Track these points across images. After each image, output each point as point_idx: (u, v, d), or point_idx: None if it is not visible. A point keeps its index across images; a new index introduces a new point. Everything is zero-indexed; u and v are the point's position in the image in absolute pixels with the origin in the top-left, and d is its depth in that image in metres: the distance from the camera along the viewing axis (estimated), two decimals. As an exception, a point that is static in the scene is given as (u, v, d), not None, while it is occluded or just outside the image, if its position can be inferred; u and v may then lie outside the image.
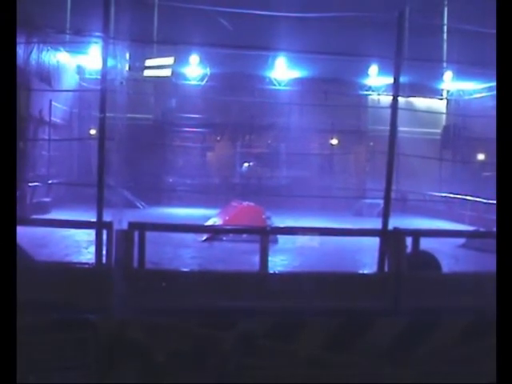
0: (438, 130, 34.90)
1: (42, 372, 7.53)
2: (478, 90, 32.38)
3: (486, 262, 9.73)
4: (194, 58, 30.24)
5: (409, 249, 10.36)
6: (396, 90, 11.15)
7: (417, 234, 10.88)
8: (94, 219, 9.69)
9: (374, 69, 31.20)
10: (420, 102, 34.03)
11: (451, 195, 29.55)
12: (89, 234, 12.74)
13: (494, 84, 25.59)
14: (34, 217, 19.88)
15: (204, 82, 32.29)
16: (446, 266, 11.48)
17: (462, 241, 17.61)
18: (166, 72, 28.95)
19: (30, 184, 23.43)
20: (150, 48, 27.10)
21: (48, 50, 26.17)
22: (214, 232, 17.50)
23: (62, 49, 27.75)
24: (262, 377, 8.19)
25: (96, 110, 10.89)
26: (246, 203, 20.78)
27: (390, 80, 22.15)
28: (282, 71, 31.74)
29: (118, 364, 7.93)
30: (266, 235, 10.21)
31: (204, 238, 17.56)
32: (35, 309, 7.61)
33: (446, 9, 28.92)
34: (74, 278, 9.01)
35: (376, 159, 31.05)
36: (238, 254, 15.06)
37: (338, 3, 22.77)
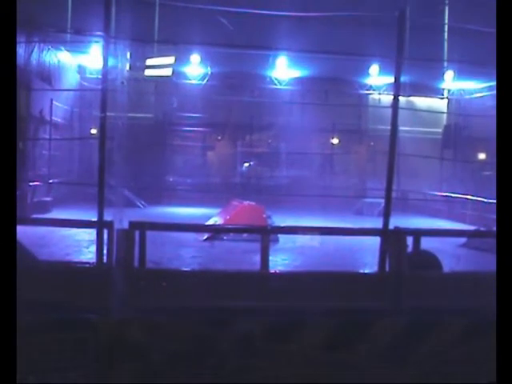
0: (439, 130, 34.88)
1: (41, 372, 7.53)
2: (479, 89, 32.36)
3: (487, 262, 9.73)
4: (195, 58, 30.25)
5: (410, 248, 10.35)
6: (397, 89, 11.14)
7: (418, 234, 10.88)
8: (94, 219, 9.69)
9: (374, 68, 31.18)
10: (421, 102, 34.07)
11: (452, 194, 29.55)
12: (89, 234, 12.74)
13: (494, 83, 25.59)
14: (35, 216, 19.88)
15: (205, 81, 32.31)
16: (447, 266, 11.47)
17: (462, 240, 17.61)
18: (167, 71, 28.93)
19: (30, 183, 23.43)
20: (151, 47, 27.09)
21: (49, 49, 26.17)
22: (215, 231, 17.51)
23: (62, 48, 27.75)
24: (261, 377, 8.18)
25: (97, 110, 10.90)
26: (246, 202, 20.77)
27: (390, 79, 22.17)
28: (283, 70, 31.74)
29: (118, 364, 7.93)
30: (266, 234, 10.20)
31: (205, 237, 17.56)
32: (35, 309, 7.61)
33: (446, 8, 28.91)
34: (75, 278, 9.01)
35: (377, 159, 31.07)
36: (238, 254, 15.05)
37: (339, 2, 22.74)
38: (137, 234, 9.43)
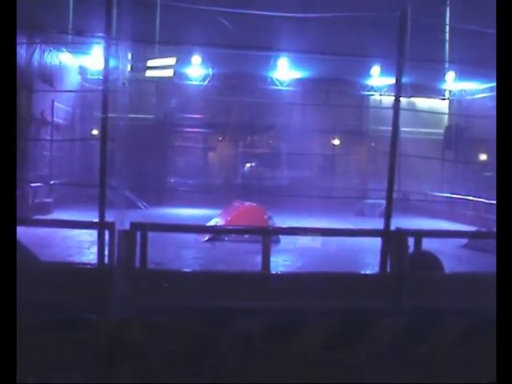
0: (441, 131, 34.88)
1: (41, 372, 7.54)
2: (481, 90, 32.34)
3: (488, 263, 9.73)
4: (196, 59, 30.24)
5: (411, 249, 10.35)
6: (398, 90, 11.13)
7: (419, 235, 10.89)
8: (96, 219, 9.69)
9: (375, 69, 31.17)
10: (422, 103, 34.07)
11: (453, 195, 29.55)
12: (91, 235, 12.74)
13: (495, 84, 25.55)
14: (36, 217, 19.89)
15: (206, 82, 32.31)
16: (448, 267, 11.47)
17: (464, 241, 17.60)
18: (168, 72, 28.94)
19: (32, 184, 23.46)
20: (152, 48, 27.10)
21: (50, 50, 26.20)
22: (216, 232, 17.50)
23: (64, 49, 27.77)
24: (262, 377, 8.19)
25: (98, 111, 10.89)
26: (247, 203, 20.77)
27: (392, 80, 22.17)
28: (284, 71, 31.73)
29: (118, 364, 7.93)
30: (267, 235, 10.19)
31: (206, 238, 17.56)
32: (35, 309, 7.62)
33: (448, 9, 28.93)
34: (76, 279, 9.00)
35: (378, 159, 31.06)
36: (239, 255, 15.05)
37: (340, 3, 22.76)
38: (138, 234, 9.43)
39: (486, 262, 9.96)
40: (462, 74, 30.46)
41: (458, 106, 35.22)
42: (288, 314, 8.72)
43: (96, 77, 28.72)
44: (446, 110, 35.39)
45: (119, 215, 9.33)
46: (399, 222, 10.38)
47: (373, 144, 34.16)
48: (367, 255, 14.81)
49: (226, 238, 17.71)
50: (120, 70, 11.99)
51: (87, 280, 8.96)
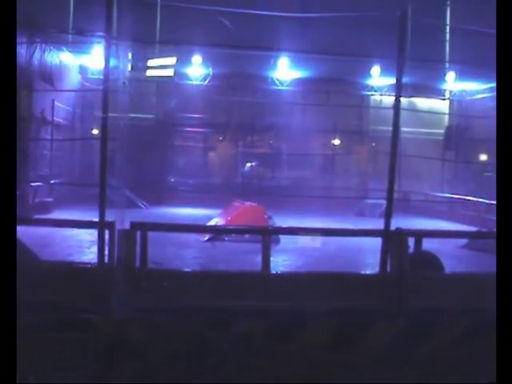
0: (441, 131, 34.90)
1: (41, 372, 7.53)
2: (481, 90, 32.34)
3: (489, 263, 9.72)
4: (197, 58, 30.26)
5: (411, 249, 10.34)
6: (398, 90, 11.11)
7: (419, 235, 10.88)
8: (96, 219, 9.68)
9: (376, 69, 31.18)
10: (422, 103, 34.07)
11: (454, 196, 29.57)
12: (91, 234, 12.74)
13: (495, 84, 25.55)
14: (37, 216, 19.89)
15: (206, 82, 32.32)
16: (449, 267, 11.47)
17: (464, 241, 17.59)
18: (169, 72, 28.95)
19: (32, 184, 23.47)
20: (153, 48, 27.12)
21: (50, 50, 26.20)
22: (216, 232, 17.50)
23: (64, 49, 27.79)
24: (262, 377, 8.19)
25: (98, 110, 10.90)
26: (248, 203, 20.77)
27: (392, 80, 22.19)
28: (285, 71, 31.74)
29: (118, 364, 7.93)
30: (267, 235, 10.18)
31: (206, 238, 17.57)
32: (35, 309, 7.61)
33: (448, 9, 28.95)
34: (76, 278, 8.99)
35: (378, 159, 31.09)
36: (240, 254, 15.05)
37: (340, 3, 22.77)
38: (138, 234, 9.43)
39: (486, 263, 9.95)
40: (463, 74, 30.47)
41: (459, 106, 35.23)
42: (288, 313, 8.72)
43: (96, 76, 28.77)
44: (447, 110, 35.42)
45: (119, 215, 9.32)
46: (399, 222, 10.38)
47: (373, 144, 34.19)
48: (367, 255, 14.82)
49: (226, 238, 17.72)
50: (120, 69, 11.97)
51: (87, 280, 8.95)
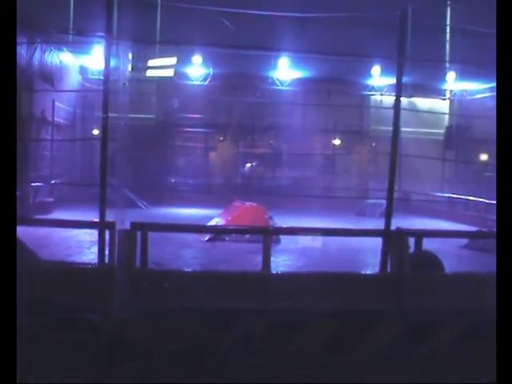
0: (441, 131, 34.88)
1: (41, 372, 7.54)
2: (481, 90, 32.32)
3: (489, 263, 9.71)
4: (197, 58, 30.23)
5: (411, 249, 10.35)
6: (399, 90, 11.13)
7: (419, 235, 10.89)
8: (96, 219, 9.69)
9: (376, 69, 31.15)
10: (423, 103, 34.04)
11: (454, 196, 29.58)
12: (91, 234, 12.74)
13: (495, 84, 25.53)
14: (37, 217, 19.89)
15: (207, 82, 32.29)
16: (449, 267, 11.47)
17: (464, 241, 17.59)
18: (169, 72, 28.94)
19: (32, 184, 23.47)
20: (153, 48, 27.09)
21: (51, 50, 26.20)
22: (217, 232, 17.49)
23: (64, 49, 27.78)
24: (262, 377, 8.19)
25: (98, 111, 10.89)
26: (248, 203, 20.75)
27: (392, 80, 22.19)
28: (285, 71, 31.72)
29: (118, 364, 7.93)
30: (268, 235, 10.19)
31: (206, 238, 17.56)
32: (35, 309, 7.61)
33: (448, 9, 28.93)
34: (76, 278, 9.01)
35: (378, 159, 31.08)
36: (240, 255, 15.04)
37: (341, 3, 22.77)
38: (138, 234, 9.43)
39: (487, 262, 9.96)
40: (463, 74, 30.44)
41: (459, 106, 35.21)
42: (288, 314, 8.73)
43: (97, 76, 28.75)
44: (447, 110, 35.39)
45: (120, 215, 9.34)
46: (400, 222, 10.39)
47: (373, 144, 34.16)
48: (368, 255, 14.80)
49: (227, 238, 17.71)
50: (121, 69, 12.01)
51: (87, 280, 8.96)
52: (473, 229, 19.91)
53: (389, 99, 31.62)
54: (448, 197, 30.28)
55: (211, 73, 31.86)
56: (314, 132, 33.00)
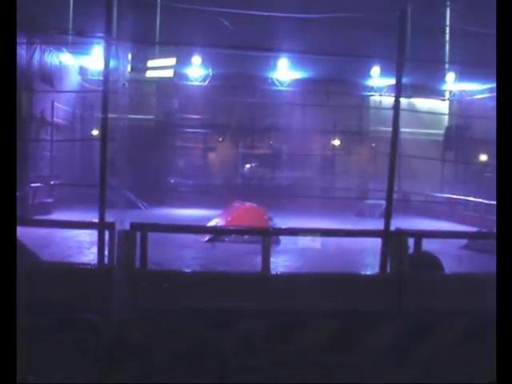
0: (441, 131, 34.91)
1: (41, 372, 7.53)
2: (481, 90, 32.34)
3: (489, 263, 9.71)
4: (196, 59, 30.26)
5: (411, 250, 10.35)
6: (398, 90, 11.13)
7: (419, 235, 10.89)
8: (96, 220, 9.69)
9: (376, 70, 31.19)
10: (422, 103, 34.05)
11: (453, 196, 29.59)
12: (91, 235, 12.74)
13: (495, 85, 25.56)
14: (36, 217, 19.89)
15: (206, 82, 32.32)
16: (449, 267, 11.47)
17: (464, 242, 17.60)
18: (168, 73, 28.95)
19: (32, 185, 23.47)
20: (152, 49, 27.10)
21: (50, 51, 26.21)
22: (216, 233, 17.50)
23: (64, 50, 27.79)
24: (262, 377, 8.19)
25: (98, 111, 10.91)
26: (248, 204, 20.76)
27: (392, 81, 22.18)
28: (284, 72, 31.75)
29: (118, 364, 7.93)
30: (268, 236, 10.19)
31: (206, 238, 17.57)
32: (35, 309, 7.61)
33: (448, 9, 28.92)
34: (76, 279, 9.01)
35: (378, 160, 31.09)
36: (240, 255, 15.06)
37: (340, 4, 22.76)
38: (138, 235, 9.44)
39: (486, 263, 9.95)
40: (462, 75, 30.47)
41: (458, 106, 35.25)
42: (288, 314, 8.73)
43: (96, 77, 28.77)
44: (446, 111, 35.43)
45: (119, 215, 9.33)
46: (399, 223, 10.39)
47: (373, 144, 34.19)
48: (367, 256, 14.82)
49: (227, 239, 17.72)
50: (120, 70, 11.96)
51: (87, 280, 8.96)
52: (472, 229, 19.93)
53: (388, 100, 31.69)
54: (447, 197, 30.31)
55: (211, 73, 31.90)
56: (313, 132, 33.01)
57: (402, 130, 12.94)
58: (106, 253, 9.40)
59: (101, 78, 12.31)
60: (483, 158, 34.10)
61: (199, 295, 8.86)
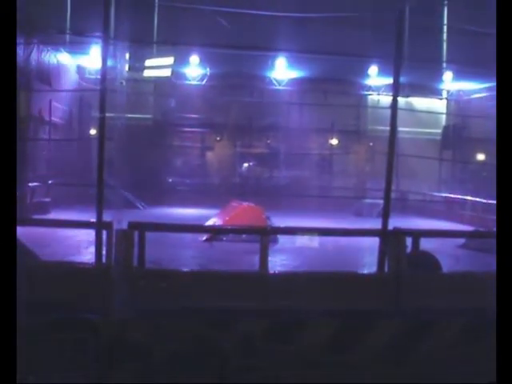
0: (438, 130, 34.90)
1: (41, 372, 7.54)
2: (478, 89, 32.34)
3: (486, 262, 9.74)
4: (194, 58, 30.22)
5: (409, 249, 10.36)
6: (396, 90, 11.16)
7: (417, 234, 10.91)
8: (93, 219, 9.69)
9: (373, 69, 31.18)
10: (420, 102, 34.03)
11: (451, 195, 29.61)
12: (89, 234, 12.73)
13: (493, 84, 25.61)
14: (34, 217, 19.86)
15: (204, 82, 32.28)
16: (446, 266, 11.48)
17: (461, 241, 17.60)
18: (166, 72, 28.95)
19: (29, 184, 23.43)
20: (150, 48, 27.10)
21: (48, 50, 26.15)
22: (214, 232, 17.48)
23: (62, 49, 27.73)
24: (262, 377, 8.19)
25: (96, 110, 10.89)
26: (245, 203, 20.74)
27: (389, 80, 22.19)
28: (282, 71, 31.73)
29: (118, 364, 7.93)
30: (265, 235, 10.21)
31: (204, 238, 17.55)
32: (35, 309, 7.61)
33: (445, 9, 28.96)
34: (74, 278, 9.00)
35: (376, 159, 31.08)
36: (237, 254, 15.04)
37: (338, 3, 22.78)
38: (136, 234, 9.44)
39: (484, 262, 9.98)
40: (460, 74, 30.47)
41: (456, 105, 35.23)
42: (286, 313, 8.73)
43: (94, 76, 28.70)
44: (444, 110, 35.40)
45: (117, 215, 9.34)
46: (397, 222, 10.40)
47: (371, 144, 34.13)
48: (365, 255, 14.81)
49: (224, 238, 17.70)
50: (118, 69, 11.97)
51: (86, 280, 8.96)
52: (470, 228, 19.95)
53: (386, 99, 31.61)
54: (445, 197, 30.32)
55: (208, 73, 31.84)
56: (311, 132, 32.96)
57: (400, 129, 12.94)
58: (104, 252, 9.40)
59: (98, 77, 12.31)
60: (481, 157, 34.09)
61: (197, 294, 8.87)
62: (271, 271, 10.18)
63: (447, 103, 35.69)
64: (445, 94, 35.36)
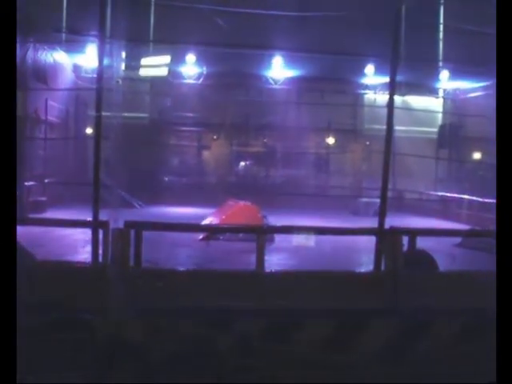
0: (435, 129, 34.94)
1: (41, 372, 7.53)
2: (474, 88, 32.38)
3: (483, 261, 9.77)
4: (191, 57, 30.22)
5: (405, 248, 10.38)
6: (392, 88, 11.16)
7: (413, 233, 10.92)
8: (90, 218, 9.69)
9: (370, 68, 31.22)
10: (416, 101, 34.06)
11: (447, 194, 29.66)
12: (85, 233, 12.73)
13: (490, 83, 25.66)
14: (31, 216, 19.83)
15: (200, 80, 32.27)
16: (443, 265, 11.51)
17: (458, 240, 17.64)
18: (162, 71, 28.94)
19: (26, 183, 23.40)
20: (146, 47, 27.10)
21: (44, 49, 26.12)
22: (211, 231, 17.47)
23: (58, 48, 27.71)
24: (259, 377, 8.20)
25: (92, 109, 10.89)
26: (242, 202, 20.74)
27: (386, 79, 22.21)
28: (279, 70, 31.75)
29: (118, 364, 7.93)
30: (262, 234, 10.21)
31: (200, 237, 17.55)
32: (34, 309, 7.61)
33: (442, 8, 28.99)
34: (70, 277, 9.00)
35: (372, 158, 31.10)
36: (234, 253, 15.05)
37: (335, 2, 22.79)
38: (132, 233, 9.43)
39: (480, 261, 10.00)
40: (456, 73, 30.53)
41: (452, 104, 35.27)
42: (283, 313, 8.74)
43: (90, 75, 28.66)
44: (440, 109, 35.45)
45: (113, 214, 9.34)
46: (393, 221, 10.42)
47: (367, 143, 34.16)
48: (362, 254, 14.83)
49: (221, 237, 17.70)
50: (114, 68, 11.98)
51: (82, 279, 8.96)
52: (466, 227, 19.98)
53: (382, 98, 31.66)
54: (441, 195, 30.36)
55: (205, 71, 31.83)
56: (307, 131, 32.95)
57: (396, 128, 12.97)
58: (101, 251, 9.40)
59: (95, 76, 12.30)
60: (477, 156, 34.16)
61: (194, 293, 8.86)
62: (268, 270, 10.19)
63: (444, 102, 35.73)
64: (441, 93, 35.41)
